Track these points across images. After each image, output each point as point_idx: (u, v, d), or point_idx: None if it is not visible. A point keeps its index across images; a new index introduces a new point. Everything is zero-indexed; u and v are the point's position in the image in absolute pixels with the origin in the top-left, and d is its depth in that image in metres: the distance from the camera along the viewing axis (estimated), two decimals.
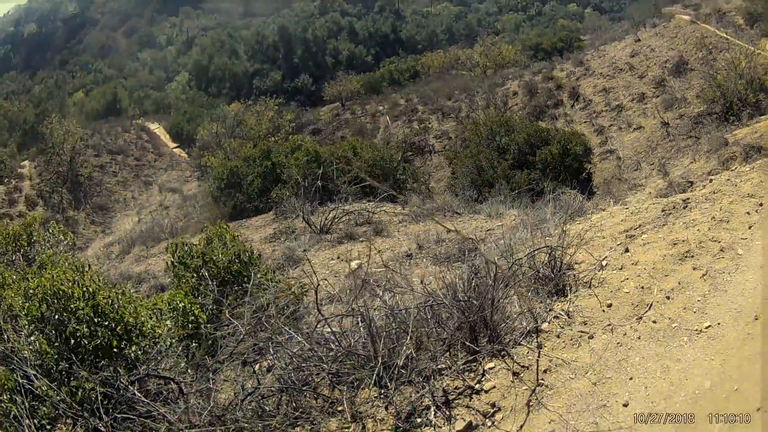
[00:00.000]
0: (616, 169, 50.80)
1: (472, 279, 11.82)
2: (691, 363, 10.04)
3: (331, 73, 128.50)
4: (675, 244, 13.76)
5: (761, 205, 14.85)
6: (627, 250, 14.15)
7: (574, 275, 13.46)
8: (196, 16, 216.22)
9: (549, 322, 11.80)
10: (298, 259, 25.41)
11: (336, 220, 30.24)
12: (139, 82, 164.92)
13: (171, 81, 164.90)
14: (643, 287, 12.37)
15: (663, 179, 40.85)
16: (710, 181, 19.32)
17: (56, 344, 10.71)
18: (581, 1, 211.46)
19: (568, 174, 45.56)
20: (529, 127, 51.20)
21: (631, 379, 10.02)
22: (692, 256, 13.10)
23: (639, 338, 10.90)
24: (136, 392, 9.92)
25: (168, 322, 12.43)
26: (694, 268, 12.60)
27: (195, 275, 16.26)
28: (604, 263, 13.81)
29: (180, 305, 13.15)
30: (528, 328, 11.53)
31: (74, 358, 10.46)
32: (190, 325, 13.08)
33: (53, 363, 10.57)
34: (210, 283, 15.51)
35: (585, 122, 60.83)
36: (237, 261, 16.77)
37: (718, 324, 10.70)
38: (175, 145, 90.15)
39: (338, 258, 25.00)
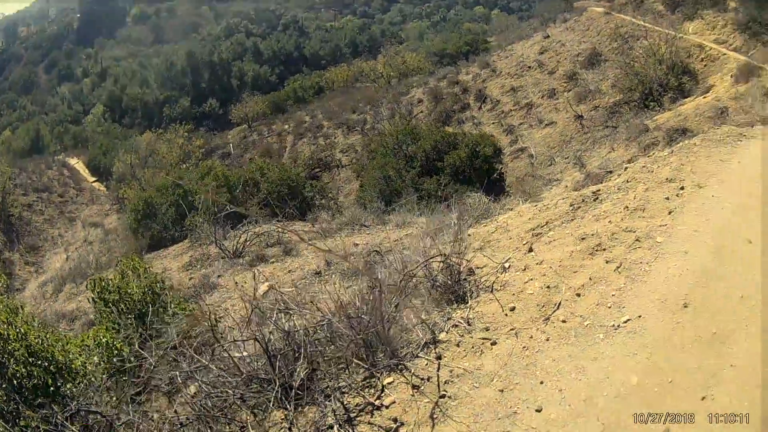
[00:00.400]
0: (528, 166, 50.58)
1: (369, 294, 11.12)
2: (610, 360, 9.61)
3: (237, 96, 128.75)
4: (583, 238, 13.23)
5: (682, 188, 14.49)
6: (531, 250, 13.57)
7: (475, 280, 12.77)
8: (110, 46, 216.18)
9: (447, 332, 11.08)
10: (213, 285, 25.19)
11: (247, 243, 29.84)
12: (58, 117, 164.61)
13: (88, 114, 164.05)
14: (549, 287, 11.79)
15: (580, 171, 40.87)
16: (625, 170, 19.02)
17: (3, 386, 11.12)
18: (488, 3, 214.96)
19: (478, 176, 45.36)
20: (436, 133, 51.09)
21: (542, 383, 9.51)
22: (604, 249, 12.57)
23: (547, 340, 10.28)
24: (72, 428, 10.09)
25: (95, 358, 12.90)
26: (606, 262, 12.03)
27: (114, 310, 16.17)
28: (506, 265, 13.14)
29: (103, 340, 13.53)
30: (425, 340, 10.88)
31: (18, 398, 10.94)
32: (115, 360, 13.32)
33: (3, 404, 11.00)
34: (126, 316, 15.70)
35: (494, 123, 60.66)
36: (151, 293, 16.69)
37: (639, 317, 10.31)
38: (94, 179, 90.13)
39: (236, 283, 23.98)
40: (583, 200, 16.12)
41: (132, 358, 13.11)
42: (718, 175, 15.26)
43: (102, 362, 12.86)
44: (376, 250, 20.73)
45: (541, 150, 51.85)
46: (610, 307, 10.65)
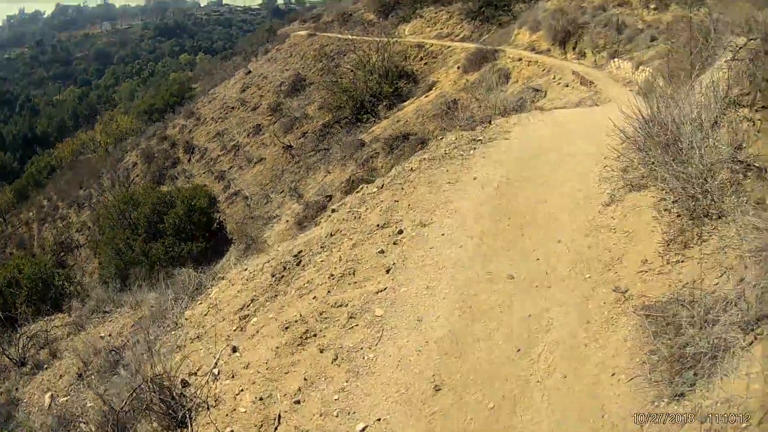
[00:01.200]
0: (246, 209, 49.41)
1: None
2: None
3: None
4: (287, 327, 10.50)
5: (401, 233, 11.83)
6: (235, 350, 10.92)
7: (191, 396, 10.28)
8: None
9: None
10: (16, 400, 21.61)
11: (25, 348, 26.86)
12: None
13: None
14: (262, 398, 9.42)
15: (298, 202, 39.84)
16: (329, 217, 16.01)
17: None
18: (192, 49, 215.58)
19: (199, 229, 45.19)
20: (152, 195, 50.05)
21: None
22: (314, 336, 10.04)
23: None
24: None
25: None
26: (320, 351, 9.62)
27: None
28: (216, 371, 10.69)
29: None
30: None
31: None
32: None
33: None
34: None
35: (205, 173, 59.33)
36: None
37: (379, 420, 8.10)
38: None
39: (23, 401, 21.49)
40: (285, 267, 13.16)
41: None
42: (447, 204, 12.65)
43: None
44: (114, 350, 18.30)
45: (254, 190, 50.92)
46: (337, 415, 8.39)
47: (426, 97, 43.00)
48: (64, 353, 22.97)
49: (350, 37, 59.01)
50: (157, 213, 45.77)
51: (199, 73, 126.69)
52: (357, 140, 41.08)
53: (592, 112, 21.83)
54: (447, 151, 16.02)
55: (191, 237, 43.63)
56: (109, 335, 20.52)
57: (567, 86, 33.15)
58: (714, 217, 8.33)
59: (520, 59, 39.97)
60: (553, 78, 35.02)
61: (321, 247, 13.00)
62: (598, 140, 13.05)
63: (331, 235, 13.27)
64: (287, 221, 36.11)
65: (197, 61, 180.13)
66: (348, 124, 47.35)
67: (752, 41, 9.72)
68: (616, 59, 34.68)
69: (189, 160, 63.32)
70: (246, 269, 15.63)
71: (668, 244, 8.46)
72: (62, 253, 62.65)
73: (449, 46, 50.21)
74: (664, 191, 9.37)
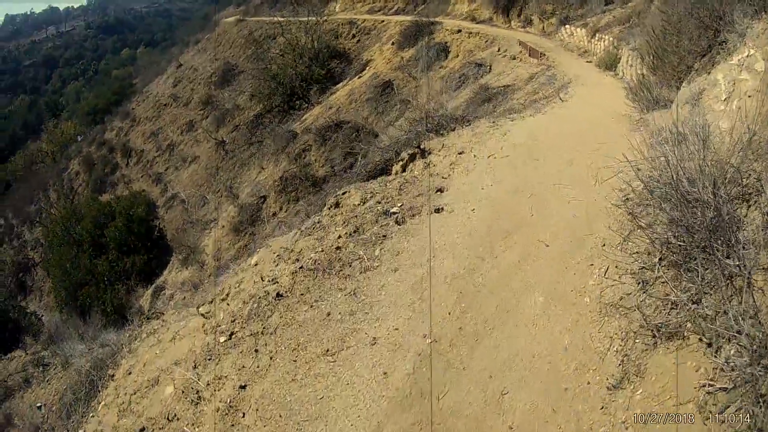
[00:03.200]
0: (184, 213, 46.94)
1: None
2: None
3: None
4: None
5: None
6: None
7: None
8: None
9: None
10: None
11: None
12: None
13: None
14: None
15: (234, 204, 37.49)
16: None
17: None
18: (134, 44, 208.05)
19: (141, 240, 43.95)
20: (93, 207, 48.25)
21: None
22: None
23: None
24: None
25: None
26: None
27: None
28: None
29: None
30: None
31: None
32: None
33: None
34: None
35: (142, 176, 56.75)
36: None
37: None
38: None
39: None
40: None
41: None
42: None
43: None
44: None
45: (191, 192, 48.58)
46: None
47: (359, 78, 40.29)
48: (15, 419, 21.98)
49: (279, 19, 55.30)
50: (100, 226, 44.14)
51: (140, 67, 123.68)
52: (288, 132, 38.69)
53: (562, 121, 16.94)
54: (339, 246, 10.89)
55: (134, 249, 42.39)
56: (45, 404, 19.69)
57: (514, 59, 30.48)
58: None
59: (459, 31, 37.38)
60: (498, 50, 32.35)
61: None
62: (586, 195, 8.84)
63: (169, 420, 8.85)
64: (223, 226, 34.51)
65: (138, 56, 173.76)
66: (280, 113, 45.09)
67: None
68: (567, 26, 32.36)
69: (127, 164, 60.65)
70: (128, 389, 11.39)
71: None
72: (21, 274, 60.83)
73: (383, 21, 47.92)
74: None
